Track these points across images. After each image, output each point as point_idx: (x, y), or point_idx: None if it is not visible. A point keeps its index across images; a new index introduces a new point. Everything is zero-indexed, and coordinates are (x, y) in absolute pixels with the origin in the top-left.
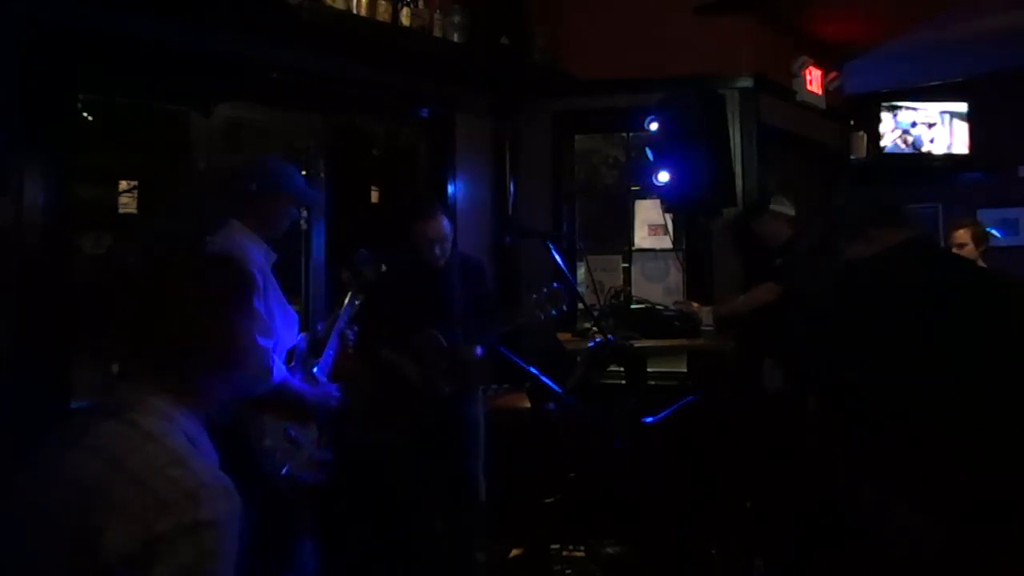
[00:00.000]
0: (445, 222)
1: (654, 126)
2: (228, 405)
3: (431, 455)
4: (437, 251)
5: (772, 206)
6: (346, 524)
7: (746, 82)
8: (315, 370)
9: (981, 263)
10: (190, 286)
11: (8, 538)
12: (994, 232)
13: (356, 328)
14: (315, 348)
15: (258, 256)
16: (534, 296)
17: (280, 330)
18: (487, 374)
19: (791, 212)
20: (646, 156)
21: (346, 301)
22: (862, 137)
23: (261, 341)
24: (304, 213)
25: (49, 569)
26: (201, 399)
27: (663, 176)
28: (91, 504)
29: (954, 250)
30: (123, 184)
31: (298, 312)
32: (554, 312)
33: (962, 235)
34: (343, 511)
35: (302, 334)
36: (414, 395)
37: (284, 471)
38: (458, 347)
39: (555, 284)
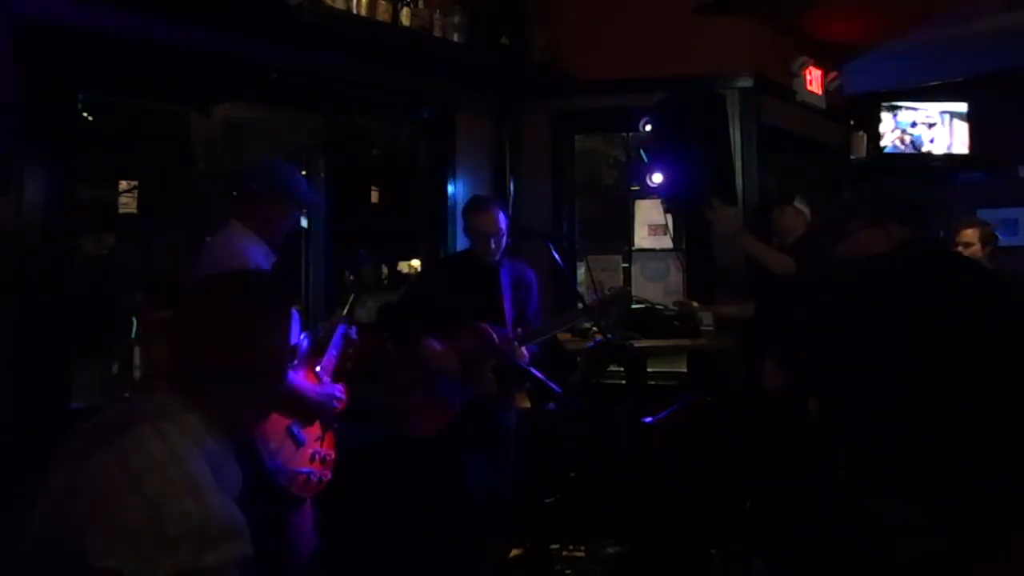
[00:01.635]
0: (500, 216)
1: (647, 128)
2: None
3: (461, 458)
4: (492, 245)
5: (796, 202)
6: (354, 523)
7: (746, 82)
8: (318, 369)
9: (987, 264)
10: (246, 307)
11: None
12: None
13: (357, 328)
14: (317, 347)
15: (258, 257)
16: (595, 297)
17: None
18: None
19: (808, 215)
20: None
21: (348, 302)
22: (862, 137)
23: None
24: (303, 211)
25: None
26: (232, 423)
27: (656, 177)
28: (98, 519)
29: (959, 248)
30: (123, 184)
31: (298, 312)
32: (620, 312)
33: (970, 234)
34: (353, 509)
35: (304, 333)
36: (454, 392)
37: (285, 470)
38: (505, 347)
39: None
